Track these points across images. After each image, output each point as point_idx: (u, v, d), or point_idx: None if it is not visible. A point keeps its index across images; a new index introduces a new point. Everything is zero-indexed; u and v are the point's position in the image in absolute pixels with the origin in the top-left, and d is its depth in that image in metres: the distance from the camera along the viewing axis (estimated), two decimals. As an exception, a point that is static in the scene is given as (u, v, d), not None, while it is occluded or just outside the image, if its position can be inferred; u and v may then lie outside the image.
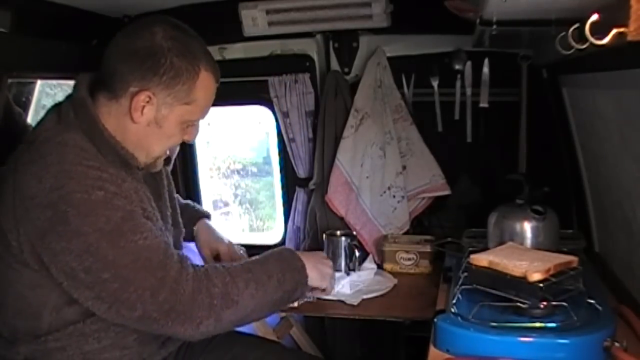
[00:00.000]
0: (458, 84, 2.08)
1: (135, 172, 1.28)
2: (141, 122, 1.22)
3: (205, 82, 1.24)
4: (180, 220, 1.54)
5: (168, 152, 1.37)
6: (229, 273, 1.23)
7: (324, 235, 2.04)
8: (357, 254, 2.00)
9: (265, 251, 1.37)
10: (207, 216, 1.75)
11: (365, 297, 1.82)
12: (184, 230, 1.55)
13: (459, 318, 1.18)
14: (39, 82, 2.11)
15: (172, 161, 1.54)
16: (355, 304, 1.78)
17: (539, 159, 1.95)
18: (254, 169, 2.99)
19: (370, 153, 2.13)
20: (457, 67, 2.06)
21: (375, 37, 2.16)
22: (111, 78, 1.21)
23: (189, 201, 1.79)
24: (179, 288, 1.15)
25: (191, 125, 1.30)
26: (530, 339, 1.10)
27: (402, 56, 2.16)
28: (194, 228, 1.68)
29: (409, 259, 2.05)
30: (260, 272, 1.27)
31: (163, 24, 1.22)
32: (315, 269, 1.40)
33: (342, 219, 2.16)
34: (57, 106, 1.27)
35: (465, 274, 1.33)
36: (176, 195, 1.60)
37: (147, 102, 1.20)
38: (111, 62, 1.21)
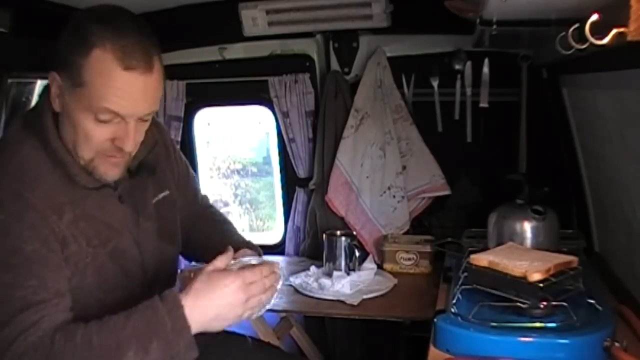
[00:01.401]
0: (458, 84, 2.08)
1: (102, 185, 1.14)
2: (61, 113, 1.08)
3: (101, 64, 1.01)
4: (177, 236, 1.35)
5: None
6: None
7: (324, 235, 2.05)
8: (357, 254, 2.00)
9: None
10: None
11: (365, 297, 1.83)
12: (179, 249, 1.38)
13: (459, 318, 1.18)
14: (39, 82, 2.11)
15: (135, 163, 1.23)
16: (355, 304, 1.78)
17: (539, 159, 1.96)
18: (254, 169, 2.99)
19: (370, 153, 2.13)
20: (457, 67, 2.06)
21: (375, 37, 2.17)
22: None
23: (230, 225, 1.52)
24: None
25: (106, 121, 1.05)
26: (530, 339, 1.10)
27: (402, 56, 2.16)
28: None
29: (409, 259, 2.05)
30: (110, 342, 0.99)
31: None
32: (221, 308, 1.04)
33: (342, 219, 2.16)
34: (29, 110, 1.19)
35: (465, 274, 1.33)
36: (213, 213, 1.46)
37: (57, 86, 1.06)
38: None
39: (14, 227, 1.02)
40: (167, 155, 1.37)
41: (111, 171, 1.11)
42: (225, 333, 1.47)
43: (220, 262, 1.09)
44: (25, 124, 1.13)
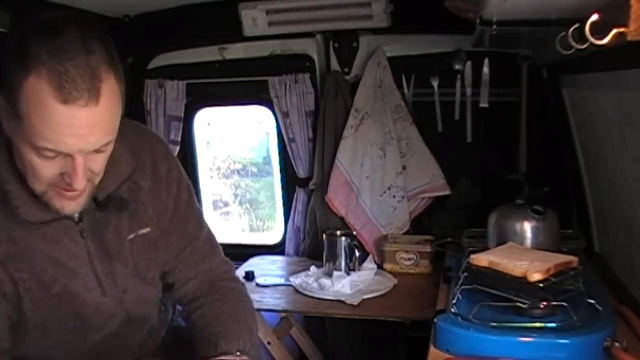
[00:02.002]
0: (458, 84, 2.08)
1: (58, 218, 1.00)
2: (10, 136, 0.92)
3: (36, 96, 0.83)
4: (156, 277, 1.18)
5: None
6: None
7: (324, 235, 2.05)
8: (357, 254, 2.00)
9: None
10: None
11: (365, 297, 1.83)
12: (159, 291, 1.22)
13: (459, 318, 1.18)
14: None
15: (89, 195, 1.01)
16: (355, 304, 1.78)
17: (539, 159, 1.95)
18: (254, 169, 2.99)
19: (370, 153, 2.13)
20: (457, 67, 2.06)
21: (375, 37, 2.16)
22: None
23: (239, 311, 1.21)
24: None
25: (51, 157, 0.89)
26: (530, 339, 1.10)
27: (402, 56, 2.16)
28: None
29: (409, 259, 2.05)
30: None
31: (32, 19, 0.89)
32: None
33: (342, 219, 2.16)
34: None
35: (465, 274, 1.33)
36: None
37: (3, 110, 0.90)
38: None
39: None
40: (153, 187, 1.15)
41: (68, 206, 0.96)
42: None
43: None
44: None
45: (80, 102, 0.84)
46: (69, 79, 0.83)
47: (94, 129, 0.88)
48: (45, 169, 0.91)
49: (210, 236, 1.28)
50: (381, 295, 1.86)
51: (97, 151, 0.92)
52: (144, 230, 1.13)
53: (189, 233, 1.22)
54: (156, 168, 1.16)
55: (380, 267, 2.07)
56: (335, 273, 1.95)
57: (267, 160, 2.83)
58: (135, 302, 1.14)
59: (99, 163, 0.96)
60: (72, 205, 0.97)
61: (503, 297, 1.21)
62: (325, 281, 1.91)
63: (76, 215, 1.03)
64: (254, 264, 2.23)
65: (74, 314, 1.05)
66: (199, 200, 2.31)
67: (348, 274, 1.96)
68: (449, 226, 2.17)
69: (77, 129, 0.86)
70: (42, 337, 1.04)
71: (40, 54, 0.83)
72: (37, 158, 0.89)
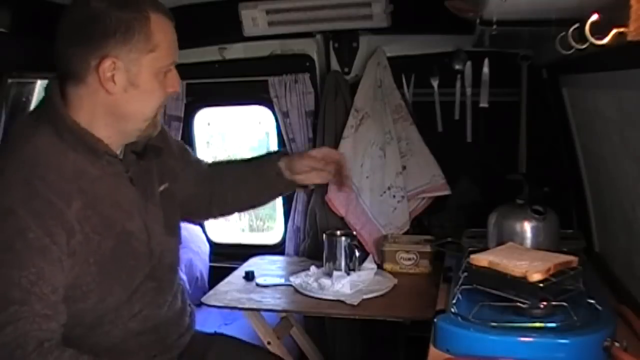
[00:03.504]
0: (458, 84, 2.08)
1: (113, 166, 1.19)
2: (117, 91, 1.13)
3: (160, 25, 1.14)
4: (178, 228, 1.41)
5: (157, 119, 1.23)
6: None
7: (324, 235, 2.05)
8: (357, 254, 2.00)
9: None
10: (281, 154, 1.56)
11: (365, 297, 1.83)
12: (180, 240, 1.42)
13: (459, 318, 1.18)
14: (39, 82, 2.11)
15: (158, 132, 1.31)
16: (355, 304, 1.78)
17: (539, 159, 1.96)
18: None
19: (370, 153, 2.13)
20: (457, 67, 2.06)
21: (375, 37, 2.17)
22: (70, 63, 1.13)
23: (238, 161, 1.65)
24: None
25: (167, 72, 1.18)
26: (530, 339, 1.10)
27: (402, 56, 2.16)
28: (277, 170, 1.50)
29: (409, 259, 2.05)
30: None
31: None
32: None
33: (342, 219, 2.16)
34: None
35: (465, 274, 1.33)
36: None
37: (113, 68, 1.11)
38: (62, 49, 1.13)
39: (19, 211, 1.03)
40: (167, 142, 1.41)
41: (159, 123, 1.25)
42: (217, 335, 1.50)
43: None
44: (37, 115, 1.17)
45: (173, 21, 1.18)
46: (163, 6, 1.16)
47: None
48: (161, 91, 1.18)
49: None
50: (381, 295, 1.86)
51: None
52: (165, 185, 1.35)
53: (194, 156, 1.55)
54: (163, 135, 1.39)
55: (380, 267, 2.07)
56: (335, 273, 1.95)
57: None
58: (164, 249, 1.29)
59: None
60: (160, 122, 1.26)
61: (503, 297, 1.20)
62: (325, 281, 1.91)
63: (124, 166, 1.23)
64: (254, 264, 2.23)
65: (131, 252, 1.20)
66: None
67: (348, 274, 1.96)
68: (449, 226, 2.17)
69: (176, 41, 1.19)
70: (102, 281, 1.14)
71: (144, 2, 1.13)
72: (158, 84, 1.16)
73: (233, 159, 1.67)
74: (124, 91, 1.13)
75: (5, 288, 1.00)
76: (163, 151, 1.34)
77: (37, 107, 1.21)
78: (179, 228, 1.41)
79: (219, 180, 1.54)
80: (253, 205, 1.70)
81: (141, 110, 1.17)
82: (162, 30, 1.14)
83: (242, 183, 1.53)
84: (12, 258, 1.02)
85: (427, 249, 2.03)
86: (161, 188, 1.33)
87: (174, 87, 1.20)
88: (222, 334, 1.54)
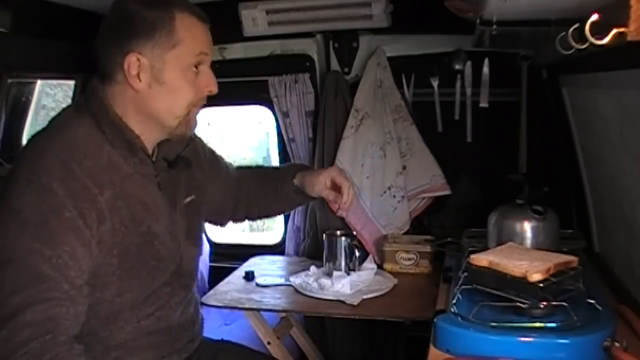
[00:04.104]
0: (458, 84, 2.08)
1: (145, 166, 1.22)
2: (143, 88, 1.17)
3: (185, 21, 1.17)
4: (200, 239, 1.43)
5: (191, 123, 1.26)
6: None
7: (324, 235, 2.04)
8: (357, 254, 2.00)
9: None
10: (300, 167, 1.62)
11: (365, 297, 1.82)
12: (202, 251, 1.45)
13: (459, 318, 1.18)
14: (39, 82, 2.12)
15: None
16: (355, 304, 1.78)
17: (539, 159, 1.95)
18: (254, 169, 2.98)
19: (370, 153, 2.13)
20: (457, 67, 2.06)
21: (375, 37, 2.17)
22: (102, 63, 1.19)
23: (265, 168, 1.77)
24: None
25: (200, 72, 1.21)
26: (530, 339, 1.10)
27: (402, 56, 2.16)
28: (294, 188, 1.56)
29: (409, 259, 2.05)
30: None
31: None
32: None
33: (342, 219, 2.15)
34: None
35: (465, 274, 1.33)
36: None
37: (138, 64, 1.15)
38: (97, 49, 1.19)
39: (58, 190, 1.06)
40: (197, 155, 1.44)
41: (195, 123, 1.27)
42: (223, 342, 1.51)
43: None
44: (79, 107, 1.21)
45: (206, 22, 1.22)
46: (194, 7, 1.21)
47: (211, 40, 1.24)
48: (190, 89, 1.19)
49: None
50: (381, 295, 1.86)
51: None
52: (191, 197, 1.36)
53: (224, 163, 1.59)
54: (197, 140, 1.46)
55: (380, 267, 2.06)
56: (335, 273, 1.95)
57: (267, 160, 2.84)
58: (186, 258, 1.32)
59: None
60: (196, 124, 1.28)
61: (503, 297, 1.21)
62: (325, 281, 1.91)
63: (154, 170, 1.25)
64: (254, 264, 2.23)
65: (154, 253, 1.22)
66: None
67: (348, 274, 1.96)
68: (449, 226, 2.17)
69: (209, 39, 1.23)
70: (123, 275, 1.17)
71: (174, 3, 1.17)
72: (185, 81, 1.18)
73: (256, 165, 1.76)
74: (149, 87, 1.16)
75: (38, 263, 1.03)
76: (193, 164, 1.37)
77: (79, 101, 1.25)
78: (201, 239, 1.43)
79: (245, 187, 1.59)
80: (275, 214, 1.79)
81: (168, 108, 1.19)
82: (186, 28, 1.17)
83: (263, 193, 1.59)
84: (46, 234, 1.05)
85: (427, 249, 2.03)
86: (187, 200, 1.35)
87: (209, 86, 1.22)
88: (228, 342, 1.55)
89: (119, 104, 1.19)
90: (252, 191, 1.60)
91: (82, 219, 1.08)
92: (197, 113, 1.26)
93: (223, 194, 1.54)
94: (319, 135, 2.21)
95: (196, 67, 1.20)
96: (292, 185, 1.55)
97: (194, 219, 1.38)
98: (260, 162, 2.94)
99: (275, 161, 2.56)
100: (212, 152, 1.55)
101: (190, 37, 1.18)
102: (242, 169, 1.66)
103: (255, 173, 1.66)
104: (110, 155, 1.17)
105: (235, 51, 2.27)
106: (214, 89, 1.24)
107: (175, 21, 1.16)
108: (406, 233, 2.15)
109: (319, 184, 1.51)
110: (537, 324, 1.15)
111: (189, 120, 1.24)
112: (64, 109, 1.25)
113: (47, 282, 1.03)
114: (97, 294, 1.14)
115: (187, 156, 1.34)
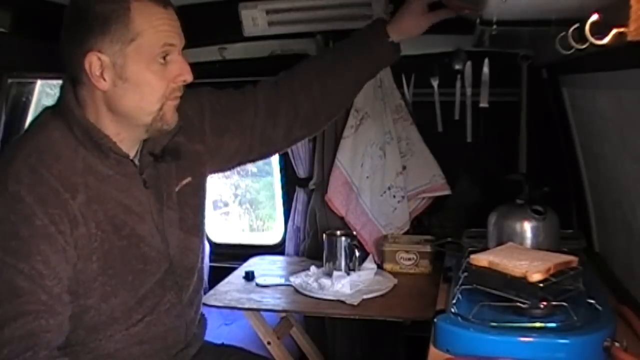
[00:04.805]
0: (458, 84, 2.08)
1: (123, 166, 1.16)
2: (108, 87, 1.10)
3: (143, 10, 1.08)
4: (200, 225, 1.35)
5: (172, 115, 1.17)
6: None
7: (324, 235, 2.05)
8: (357, 254, 2.00)
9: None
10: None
11: (365, 297, 1.83)
12: (203, 239, 1.39)
13: (459, 318, 1.18)
14: (39, 82, 2.11)
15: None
16: (355, 304, 1.78)
17: (539, 159, 1.95)
18: (254, 169, 2.99)
19: (370, 153, 2.13)
20: (457, 67, 2.06)
21: (376, 37, 2.16)
22: (68, 65, 1.12)
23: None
24: None
25: (169, 62, 1.12)
26: (530, 339, 1.10)
27: (402, 56, 2.15)
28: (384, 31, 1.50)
29: (409, 259, 2.05)
30: None
31: None
32: None
33: (342, 219, 2.16)
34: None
35: (465, 274, 1.33)
36: None
37: (100, 63, 1.08)
38: (60, 51, 1.13)
39: (26, 198, 1.03)
40: (202, 117, 1.36)
41: (173, 116, 1.17)
42: (225, 346, 1.50)
43: None
44: (53, 110, 1.16)
45: (169, 7, 1.12)
46: None
47: (178, 26, 1.14)
48: (159, 82, 1.11)
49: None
50: (381, 295, 1.86)
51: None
52: (187, 180, 1.30)
53: (239, 98, 1.53)
54: (202, 100, 1.38)
55: (380, 267, 2.07)
56: (335, 273, 1.95)
57: (267, 161, 2.83)
58: (182, 251, 1.27)
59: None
60: (175, 115, 1.17)
61: (503, 297, 1.20)
62: (325, 281, 1.91)
63: (138, 167, 1.19)
64: (254, 264, 2.24)
65: (140, 256, 1.17)
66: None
67: (348, 274, 1.96)
68: (449, 226, 2.17)
69: (174, 26, 1.13)
70: (106, 281, 1.13)
71: None
72: (152, 74, 1.10)
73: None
74: (114, 86, 1.10)
75: (12, 277, 1.01)
76: (193, 137, 1.31)
77: (54, 104, 1.20)
78: (200, 225, 1.35)
79: (298, 88, 1.55)
80: (351, 91, 1.60)
81: (137, 105, 1.12)
82: (145, 17, 1.08)
83: (333, 73, 1.50)
84: (19, 246, 1.02)
85: (427, 249, 2.03)
86: (183, 183, 1.29)
87: (181, 75, 1.14)
88: (230, 345, 1.51)
89: (90, 105, 1.13)
90: (314, 73, 1.54)
91: (54, 225, 1.04)
92: (174, 106, 1.17)
93: (267, 114, 1.51)
94: (319, 135, 2.21)
95: (164, 58, 1.11)
96: (384, 34, 1.49)
97: (191, 204, 1.31)
98: (259, 162, 2.94)
99: (274, 161, 2.56)
100: (226, 102, 1.45)
101: (150, 28, 1.09)
102: (287, 74, 1.61)
103: (312, 61, 1.61)
104: (86, 158, 1.12)
105: (235, 51, 2.27)
106: (188, 78, 1.15)
107: (130, 12, 1.07)
108: (406, 233, 2.15)
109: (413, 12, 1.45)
110: (537, 324, 1.15)
111: (164, 115, 1.15)
112: (42, 111, 1.20)
113: (23, 296, 1.00)
114: (81, 301, 1.11)
115: (175, 145, 1.27)
